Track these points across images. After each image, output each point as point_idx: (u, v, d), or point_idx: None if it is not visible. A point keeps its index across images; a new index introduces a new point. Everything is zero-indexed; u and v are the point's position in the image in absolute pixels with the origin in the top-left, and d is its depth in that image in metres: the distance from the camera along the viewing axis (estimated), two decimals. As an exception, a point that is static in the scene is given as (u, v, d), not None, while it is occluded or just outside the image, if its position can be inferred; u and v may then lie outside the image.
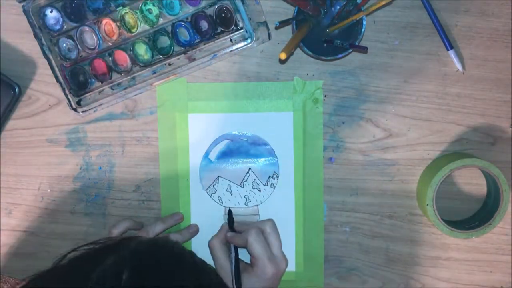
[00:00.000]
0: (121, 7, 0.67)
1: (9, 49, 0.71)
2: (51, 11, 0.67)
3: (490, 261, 0.73)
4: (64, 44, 0.68)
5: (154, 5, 0.67)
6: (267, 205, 0.72)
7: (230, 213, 0.71)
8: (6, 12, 0.70)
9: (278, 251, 0.66)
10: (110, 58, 0.69)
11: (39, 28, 0.67)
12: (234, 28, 0.68)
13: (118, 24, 0.68)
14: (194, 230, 0.72)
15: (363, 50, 0.63)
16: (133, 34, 0.68)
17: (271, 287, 0.65)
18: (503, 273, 0.73)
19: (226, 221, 0.71)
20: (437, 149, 0.72)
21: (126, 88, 0.70)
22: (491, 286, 0.73)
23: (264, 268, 0.64)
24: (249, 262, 0.67)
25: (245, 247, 0.66)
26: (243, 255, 0.67)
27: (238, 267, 0.66)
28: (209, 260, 0.72)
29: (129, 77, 0.70)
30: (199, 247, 0.72)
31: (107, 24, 0.68)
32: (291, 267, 0.72)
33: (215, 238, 0.68)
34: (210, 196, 0.72)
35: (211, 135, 0.72)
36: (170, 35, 0.68)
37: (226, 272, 0.66)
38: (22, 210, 0.73)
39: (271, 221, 0.67)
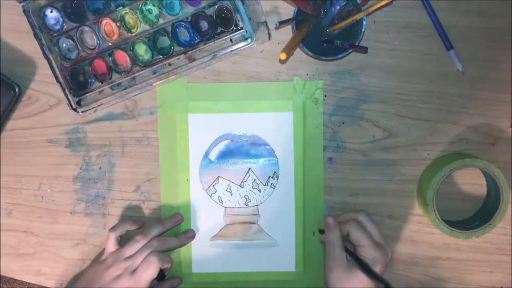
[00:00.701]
0: (121, 7, 0.67)
1: (9, 49, 0.71)
2: (51, 11, 0.67)
3: (490, 261, 0.73)
4: (64, 44, 0.68)
5: (154, 5, 0.67)
6: (267, 205, 0.72)
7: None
8: (6, 12, 0.70)
9: (379, 239, 0.65)
10: (110, 58, 0.69)
11: (39, 28, 0.67)
12: (234, 28, 0.68)
13: (118, 24, 0.68)
14: (191, 236, 0.72)
15: (363, 50, 0.63)
16: (133, 34, 0.68)
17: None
18: (503, 273, 0.73)
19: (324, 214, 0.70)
20: (437, 149, 0.72)
21: (126, 88, 0.70)
22: (491, 286, 0.73)
23: (373, 255, 0.63)
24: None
25: (344, 239, 0.65)
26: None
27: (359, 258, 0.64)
28: (212, 261, 0.72)
29: (129, 77, 0.70)
30: (200, 248, 0.72)
31: (107, 24, 0.68)
32: (291, 267, 0.72)
33: (333, 232, 0.66)
34: (210, 196, 0.72)
35: (211, 135, 0.72)
36: (170, 35, 0.68)
37: (339, 264, 0.64)
38: (22, 210, 0.73)
39: (364, 211, 0.67)
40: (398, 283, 0.73)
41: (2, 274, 0.74)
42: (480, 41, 0.70)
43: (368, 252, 0.64)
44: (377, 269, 0.63)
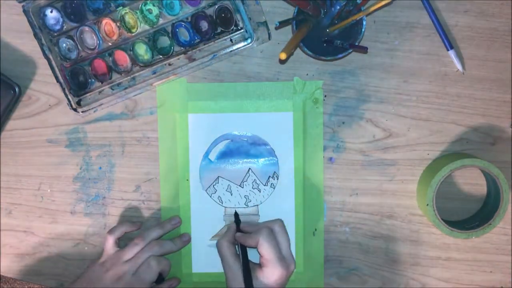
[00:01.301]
0: (121, 7, 0.67)
1: (9, 49, 0.71)
2: (51, 11, 0.67)
3: (490, 261, 0.73)
4: (64, 44, 0.68)
5: (154, 5, 0.67)
6: (267, 205, 0.72)
7: (236, 215, 0.71)
8: (6, 12, 0.70)
9: (287, 252, 0.66)
10: (110, 58, 0.69)
11: (39, 28, 0.67)
12: (234, 28, 0.68)
13: (118, 24, 0.68)
14: (187, 240, 0.72)
15: (363, 50, 0.63)
16: (133, 34, 0.68)
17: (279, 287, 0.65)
18: (503, 273, 0.73)
19: (234, 222, 0.71)
20: (437, 149, 0.72)
21: (126, 88, 0.70)
22: (491, 286, 0.73)
23: (274, 269, 0.64)
24: (257, 262, 0.67)
25: (255, 247, 0.66)
26: (251, 255, 0.67)
27: (248, 266, 0.65)
28: (212, 261, 0.72)
29: (129, 77, 0.70)
30: (200, 248, 0.72)
31: (107, 24, 0.68)
32: (291, 267, 0.72)
33: (224, 238, 0.68)
34: (210, 196, 0.72)
35: (211, 135, 0.72)
36: (170, 35, 0.68)
37: (234, 273, 0.66)
38: (22, 210, 0.73)
39: (279, 221, 0.67)
40: (398, 283, 0.73)
41: (2, 274, 0.74)
42: (480, 41, 0.70)
43: (269, 266, 0.64)
44: (275, 283, 0.64)
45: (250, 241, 0.66)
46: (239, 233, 0.68)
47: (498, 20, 0.70)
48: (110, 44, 0.69)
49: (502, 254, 0.72)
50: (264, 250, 0.64)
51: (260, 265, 0.66)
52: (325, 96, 0.71)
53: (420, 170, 0.72)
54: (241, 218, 0.72)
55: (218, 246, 0.68)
